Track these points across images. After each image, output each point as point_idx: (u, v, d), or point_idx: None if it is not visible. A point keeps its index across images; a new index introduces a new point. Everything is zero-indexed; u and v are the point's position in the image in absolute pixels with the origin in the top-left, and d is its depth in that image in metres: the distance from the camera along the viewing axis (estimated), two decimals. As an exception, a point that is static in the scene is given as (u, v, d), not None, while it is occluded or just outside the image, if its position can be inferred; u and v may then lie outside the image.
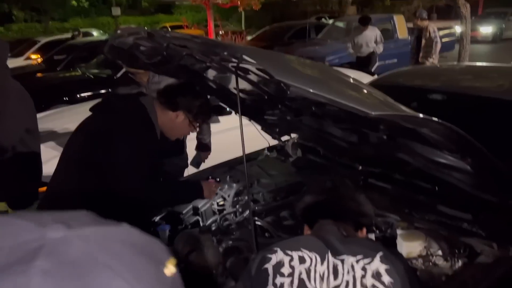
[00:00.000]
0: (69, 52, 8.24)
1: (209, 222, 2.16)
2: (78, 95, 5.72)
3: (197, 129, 2.08)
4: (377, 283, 1.09)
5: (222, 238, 1.90)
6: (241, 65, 1.26)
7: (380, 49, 7.51)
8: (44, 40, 10.10)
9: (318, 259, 1.14)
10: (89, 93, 5.84)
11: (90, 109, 1.94)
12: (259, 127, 2.71)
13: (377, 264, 1.12)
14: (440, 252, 1.68)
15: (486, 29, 16.13)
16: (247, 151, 3.36)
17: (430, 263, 1.66)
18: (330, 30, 10.17)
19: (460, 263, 1.62)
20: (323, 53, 8.52)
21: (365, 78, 5.02)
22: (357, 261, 1.13)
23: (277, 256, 1.13)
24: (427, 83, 2.77)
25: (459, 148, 1.28)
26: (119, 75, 6.21)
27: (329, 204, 1.35)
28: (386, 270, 1.11)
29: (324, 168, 2.44)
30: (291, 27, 11.63)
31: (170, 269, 0.49)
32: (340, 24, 10.52)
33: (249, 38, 14.15)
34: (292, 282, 1.09)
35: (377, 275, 1.10)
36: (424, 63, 6.54)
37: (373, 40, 7.42)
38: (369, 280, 1.09)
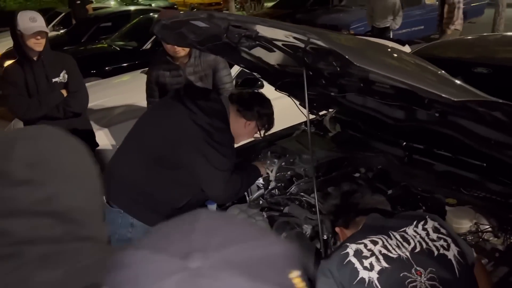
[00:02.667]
0: (91, 24, 8.24)
1: (254, 196, 2.22)
2: (106, 68, 5.77)
3: (262, 137, 2.14)
4: (439, 235, 1.30)
5: (271, 214, 1.96)
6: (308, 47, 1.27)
7: (397, 23, 6.98)
8: (66, 10, 10.10)
9: (386, 237, 1.27)
10: (116, 66, 5.89)
11: (171, 97, 1.94)
12: (297, 102, 2.71)
13: (431, 223, 1.33)
14: (490, 229, 1.71)
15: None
16: (283, 125, 3.38)
17: (480, 239, 1.69)
18: (354, -4, 9.87)
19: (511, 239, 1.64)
20: (348, 20, 8.31)
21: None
22: (416, 226, 1.32)
23: (351, 248, 1.24)
24: (466, 56, 2.71)
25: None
26: (145, 47, 6.23)
27: (354, 203, 1.51)
28: (439, 224, 1.34)
29: (366, 144, 2.45)
30: (314, -8, 11.29)
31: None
32: (365, -11, 10.18)
33: (269, 4, 13.82)
34: (377, 258, 1.21)
35: (436, 229, 1.31)
36: (446, 31, 6.28)
37: (391, 10, 6.87)
38: (433, 235, 1.29)
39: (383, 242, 1.24)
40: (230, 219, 0.48)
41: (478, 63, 2.44)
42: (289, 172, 2.34)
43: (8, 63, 2.77)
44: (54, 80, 2.57)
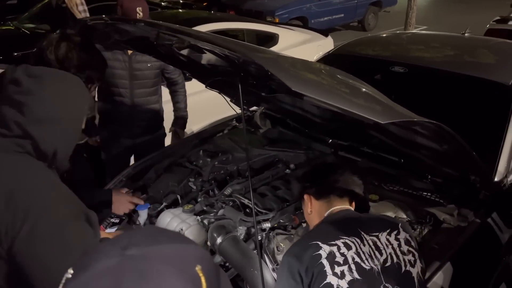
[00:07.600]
0: (-6, 1, 7.42)
1: (186, 199, 2.19)
2: (14, 54, 5.24)
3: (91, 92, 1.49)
4: (410, 248, 1.33)
5: (206, 217, 1.95)
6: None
7: None
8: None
9: (358, 241, 1.27)
10: (26, 51, 5.36)
11: None
12: (228, 99, 2.71)
13: (403, 234, 1.36)
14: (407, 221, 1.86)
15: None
16: (212, 119, 3.33)
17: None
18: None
19: (426, 230, 1.82)
20: (273, 7, 8.37)
21: (319, 39, 5.09)
22: (389, 234, 1.33)
23: (325, 250, 1.23)
24: (387, 54, 2.89)
25: (442, 140, 1.40)
26: (59, 31, 5.73)
27: (334, 177, 1.49)
28: (409, 236, 1.37)
29: (295, 141, 2.53)
30: (238, -24, 11.18)
31: None
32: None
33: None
34: (350, 268, 1.21)
35: (407, 242, 1.33)
36: None
37: None
38: (404, 247, 1.31)
39: (356, 248, 1.24)
40: (160, 230, 0.65)
41: (394, 61, 2.62)
42: (222, 172, 2.34)
43: None
44: None
